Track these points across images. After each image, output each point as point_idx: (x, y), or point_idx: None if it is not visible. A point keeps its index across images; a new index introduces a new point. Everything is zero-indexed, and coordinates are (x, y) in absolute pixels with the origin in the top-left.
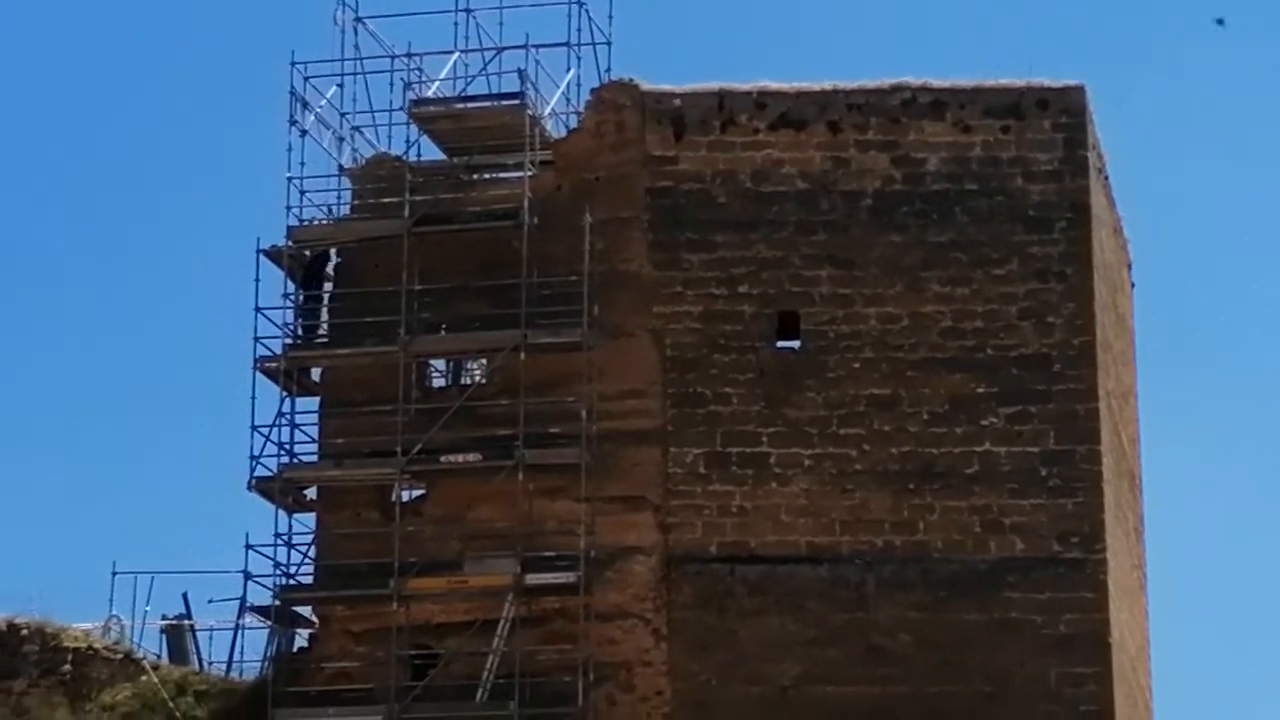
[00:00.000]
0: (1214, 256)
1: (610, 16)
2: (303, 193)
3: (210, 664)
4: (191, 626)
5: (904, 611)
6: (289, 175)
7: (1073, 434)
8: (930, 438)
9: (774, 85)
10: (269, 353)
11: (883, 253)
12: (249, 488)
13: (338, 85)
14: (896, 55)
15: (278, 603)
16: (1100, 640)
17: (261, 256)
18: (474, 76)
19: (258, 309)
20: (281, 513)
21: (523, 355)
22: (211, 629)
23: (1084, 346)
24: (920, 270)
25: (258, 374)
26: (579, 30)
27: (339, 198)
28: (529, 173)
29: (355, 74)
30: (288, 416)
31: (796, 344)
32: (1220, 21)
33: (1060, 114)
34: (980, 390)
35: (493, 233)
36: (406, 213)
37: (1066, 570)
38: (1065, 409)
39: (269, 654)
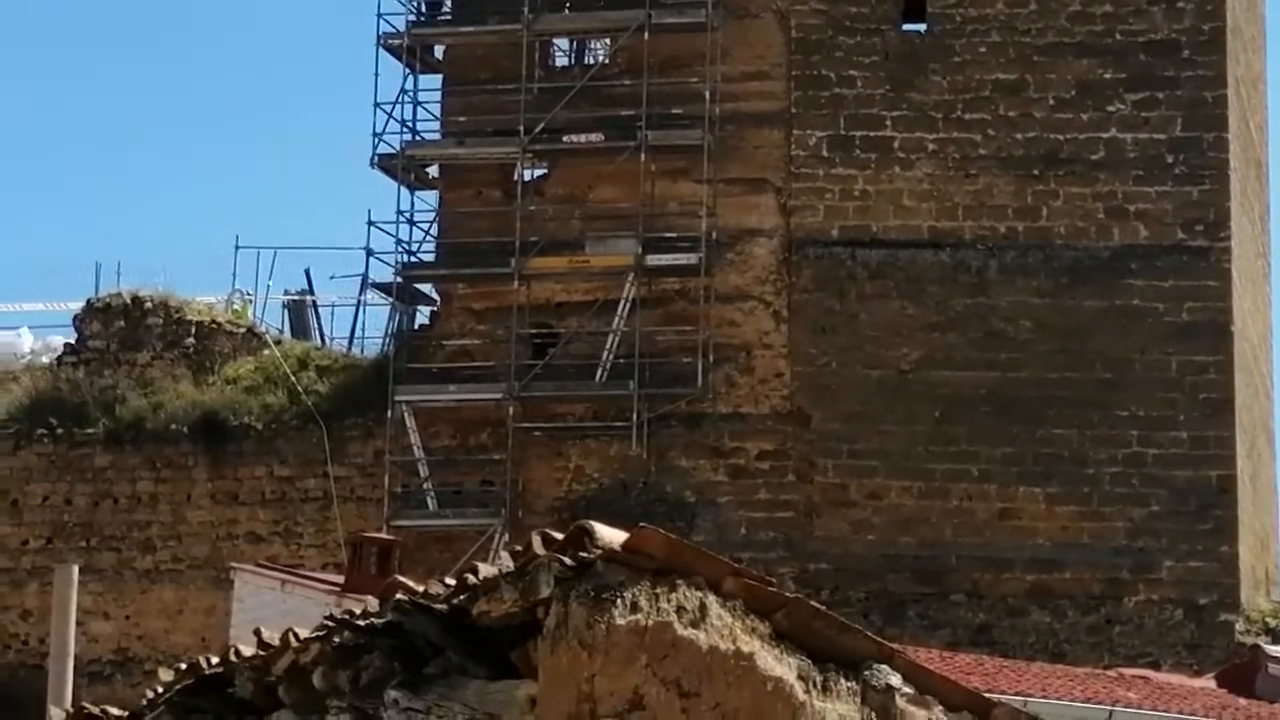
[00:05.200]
0: None
1: None
2: None
3: (332, 340)
4: (314, 302)
5: (1025, 297)
6: None
7: (1200, 121)
8: (1056, 123)
9: None
10: (393, 29)
11: None
12: (372, 165)
13: None
14: None
15: (399, 280)
16: (1222, 329)
17: None
18: None
19: None
20: (404, 190)
21: (646, 35)
22: (333, 305)
23: (1214, 32)
24: None
25: (381, 51)
26: None
27: None
28: None
29: None
30: (411, 94)
31: (922, 27)
32: None
33: None
34: (1107, 76)
35: None
36: None
37: (1190, 258)
38: (1193, 95)
39: (390, 331)
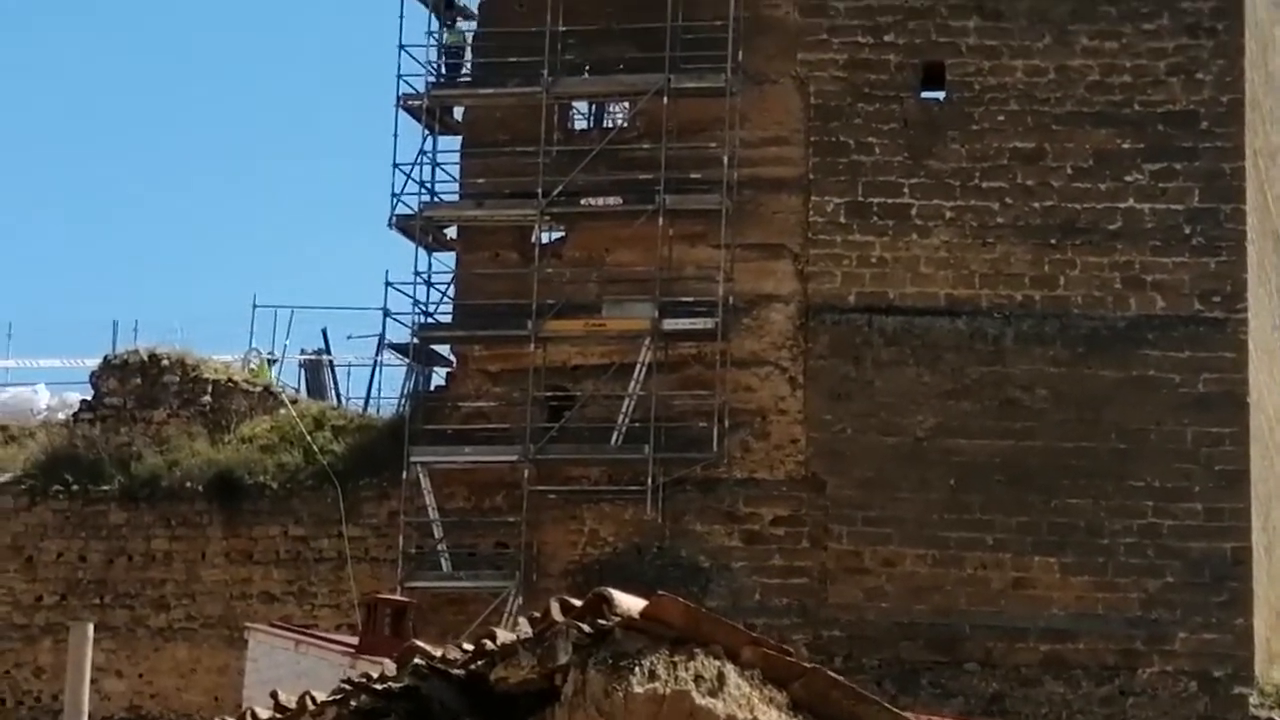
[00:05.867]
0: None
1: None
2: None
3: (348, 400)
4: (330, 362)
5: (1041, 366)
6: None
7: (1218, 192)
8: (1073, 192)
9: None
10: (412, 90)
11: (1031, 4)
12: (390, 225)
13: None
14: None
15: (416, 341)
16: (1238, 400)
17: None
18: None
19: (401, 46)
20: (421, 251)
21: (666, 99)
22: (350, 365)
23: (1232, 104)
24: (1069, 23)
25: (401, 112)
26: None
27: None
28: None
29: None
30: (429, 155)
31: (941, 95)
32: None
33: None
34: (1126, 146)
35: None
36: None
37: (1206, 329)
38: (1211, 167)
39: (406, 391)
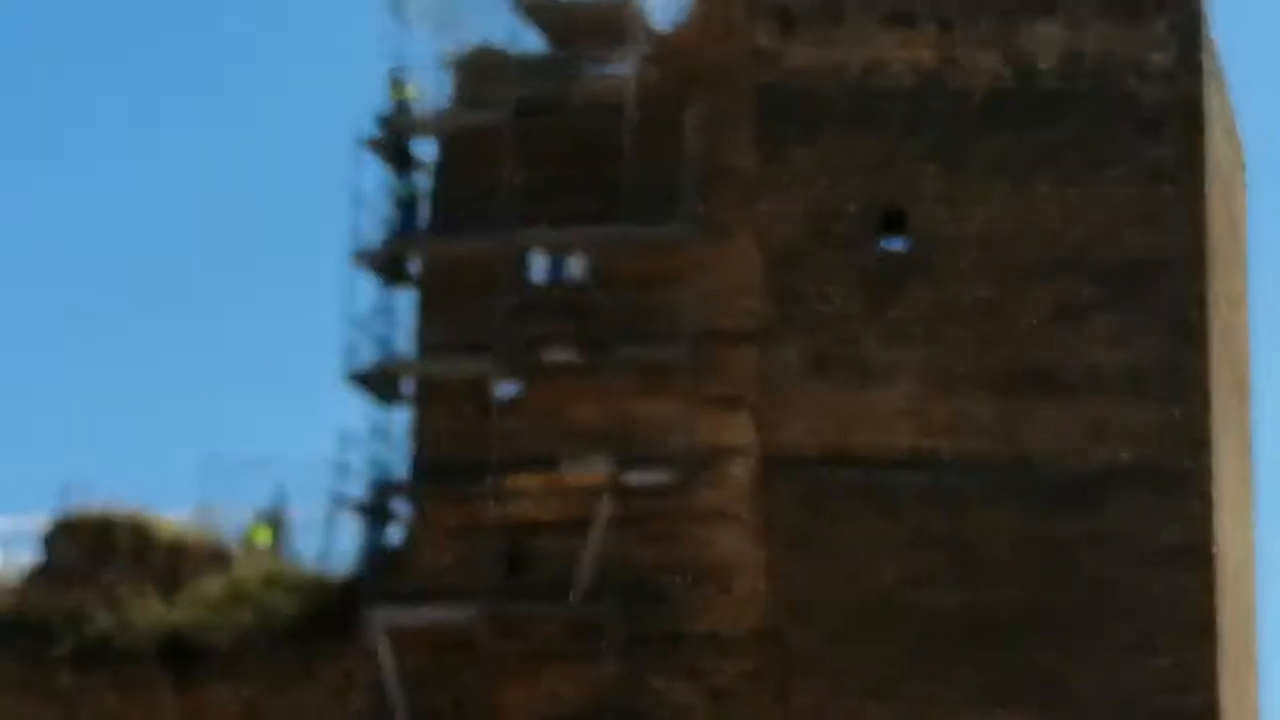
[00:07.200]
0: None
1: None
2: (402, 83)
3: (302, 557)
4: (284, 519)
5: (1005, 518)
6: (390, 67)
7: (1182, 340)
8: (1036, 341)
9: None
10: (368, 244)
11: (991, 153)
12: (345, 380)
13: None
14: None
15: (372, 497)
16: (1204, 551)
17: (360, 147)
18: None
19: (356, 199)
20: (378, 406)
21: (624, 251)
22: (304, 522)
23: (1195, 251)
24: (1029, 171)
25: (357, 265)
26: None
27: (440, 89)
28: (633, 66)
29: None
30: (385, 309)
31: (902, 243)
32: None
33: (1176, 13)
34: (1087, 294)
35: (596, 126)
36: (509, 105)
37: (1171, 480)
38: (1175, 315)
39: (362, 549)
